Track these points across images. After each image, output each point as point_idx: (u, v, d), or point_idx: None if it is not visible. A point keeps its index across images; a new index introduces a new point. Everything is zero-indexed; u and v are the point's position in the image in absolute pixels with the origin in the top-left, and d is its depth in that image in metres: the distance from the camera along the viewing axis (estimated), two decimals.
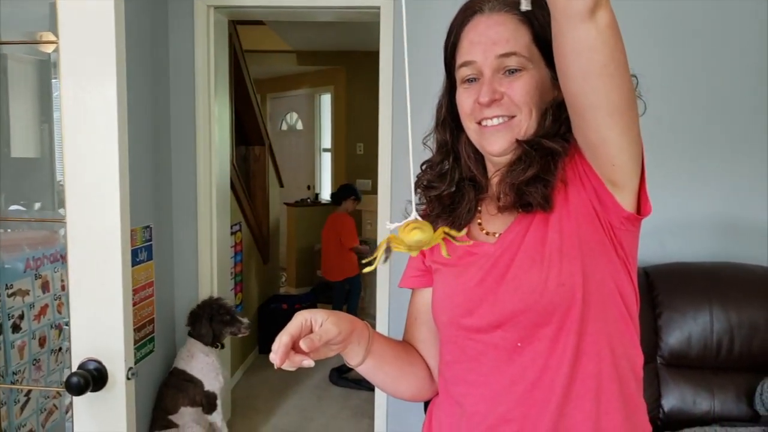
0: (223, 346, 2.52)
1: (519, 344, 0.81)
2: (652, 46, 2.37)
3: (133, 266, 2.24)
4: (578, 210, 0.80)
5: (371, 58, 2.60)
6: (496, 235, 0.87)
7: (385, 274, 2.68)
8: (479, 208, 0.92)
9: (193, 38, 2.61)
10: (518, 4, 0.76)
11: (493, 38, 0.82)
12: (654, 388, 2.03)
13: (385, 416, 2.73)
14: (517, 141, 0.84)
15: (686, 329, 2.04)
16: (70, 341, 1.01)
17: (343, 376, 3.65)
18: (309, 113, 6.90)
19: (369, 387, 3.30)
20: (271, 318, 4.03)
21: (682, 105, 2.40)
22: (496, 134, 0.84)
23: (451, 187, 0.92)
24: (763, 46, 2.35)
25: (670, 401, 2.04)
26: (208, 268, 2.72)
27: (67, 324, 1.04)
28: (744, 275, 2.11)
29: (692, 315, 2.03)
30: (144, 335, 2.39)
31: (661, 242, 2.33)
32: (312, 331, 0.80)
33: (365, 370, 0.90)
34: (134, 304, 2.27)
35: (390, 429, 2.74)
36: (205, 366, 2.42)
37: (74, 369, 0.99)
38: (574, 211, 0.80)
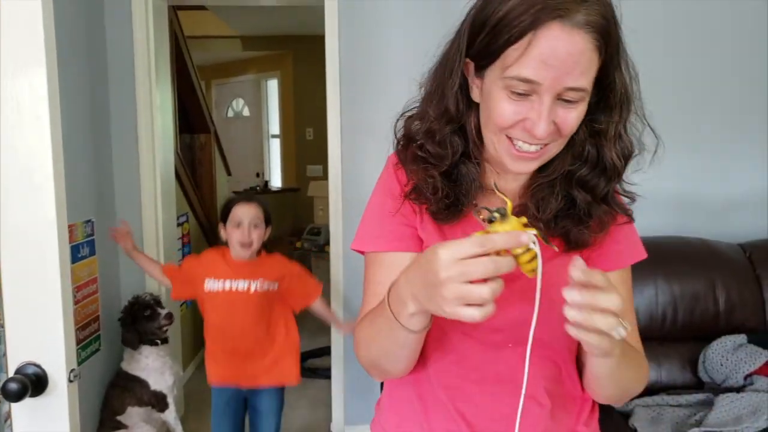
0: (165, 341, 2.42)
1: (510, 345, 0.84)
2: None
3: (74, 263, 2.14)
4: None
5: (318, 42, 2.55)
6: None
7: (338, 260, 2.67)
8: (474, 201, 0.84)
9: (131, 24, 2.50)
10: (599, 23, 0.69)
11: (569, 66, 0.69)
12: None
13: (342, 404, 2.73)
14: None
15: (633, 302, 2.11)
16: (5, 345, 0.95)
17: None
18: (256, 99, 6.75)
19: (326, 375, 3.29)
20: None
21: (648, 82, 2.45)
22: (529, 161, 0.77)
23: (453, 160, 0.82)
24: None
25: None
26: None
27: (2, 326, 0.98)
28: (685, 248, 2.19)
29: (639, 289, 2.09)
30: (89, 334, 2.29)
31: None
32: None
33: (419, 338, 0.75)
34: (77, 302, 2.17)
35: (347, 416, 2.74)
36: (147, 366, 2.34)
37: (11, 374, 0.94)
38: None
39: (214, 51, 6.16)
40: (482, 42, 0.74)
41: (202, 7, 4.62)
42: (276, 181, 6.64)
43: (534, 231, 0.62)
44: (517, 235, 0.60)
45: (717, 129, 2.48)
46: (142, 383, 2.34)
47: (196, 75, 3.87)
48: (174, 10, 3.33)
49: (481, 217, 0.64)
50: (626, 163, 0.83)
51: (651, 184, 2.44)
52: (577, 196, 0.82)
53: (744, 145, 2.48)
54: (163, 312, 2.37)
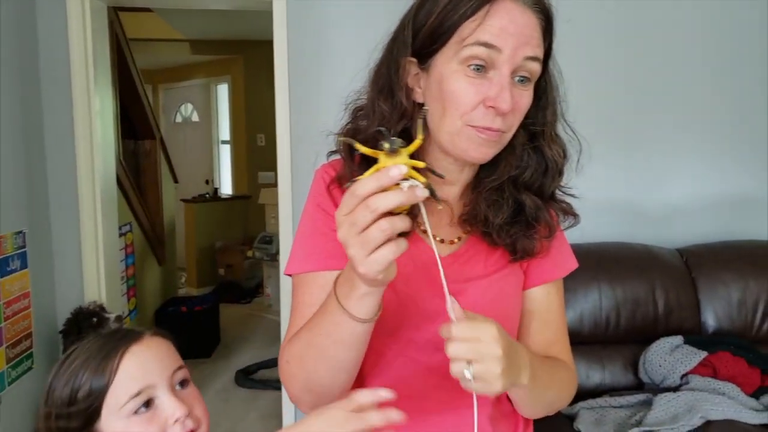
0: None
1: None
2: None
3: (2, 277, 2.03)
4: None
5: (269, 47, 2.51)
6: (446, 244, 0.84)
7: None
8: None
9: (66, 26, 2.40)
10: (545, 6, 0.73)
11: (526, 36, 0.71)
12: None
13: (293, 416, 2.68)
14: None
15: (578, 308, 2.14)
16: None
17: (249, 377, 3.54)
18: (205, 104, 6.60)
19: (276, 387, 3.22)
20: (170, 322, 3.83)
21: (597, 96, 2.50)
22: (490, 144, 0.75)
23: None
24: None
25: None
26: (95, 273, 2.52)
27: None
28: (627, 254, 2.25)
29: (584, 294, 2.14)
30: (21, 351, 2.17)
31: None
32: None
33: (365, 334, 0.70)
34: (6, 318, 2.06)
35: None
36: None
37: None
38: None
39: (162, 54, 5.99)
40: (432, 25, 0.73)
41: (147, 9, 4.49)
42: (226, 189, 6.50)
43: (422, 182, 0.57)
44: (384, 172, 0.56)
45: (658, 138, 2.55)
46: None
47: (140, 79, 3.75)
48: (115, 11, 3.21)
49: (380, 144, 0.59)
50: (565, 161, 0.84)
51: (596, 192, 2.52)
52: (525, 200, 0.83)
53: (682, 152, 2.55)
54: (112, 315, 2.27)
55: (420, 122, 0.65)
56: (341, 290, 0.66)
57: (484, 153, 0.76)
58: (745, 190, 2.57)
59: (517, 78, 0.73)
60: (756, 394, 1.96)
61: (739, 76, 2.53)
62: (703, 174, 2.57)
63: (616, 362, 2.14)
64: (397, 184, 0.56)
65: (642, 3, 2.50)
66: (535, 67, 0.74)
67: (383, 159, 0.58)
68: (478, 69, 0.72)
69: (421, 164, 0.59)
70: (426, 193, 0.57)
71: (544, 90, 0.80)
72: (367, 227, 0.56)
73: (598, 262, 2.20)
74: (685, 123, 2.54)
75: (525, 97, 0.75)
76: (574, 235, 0.92)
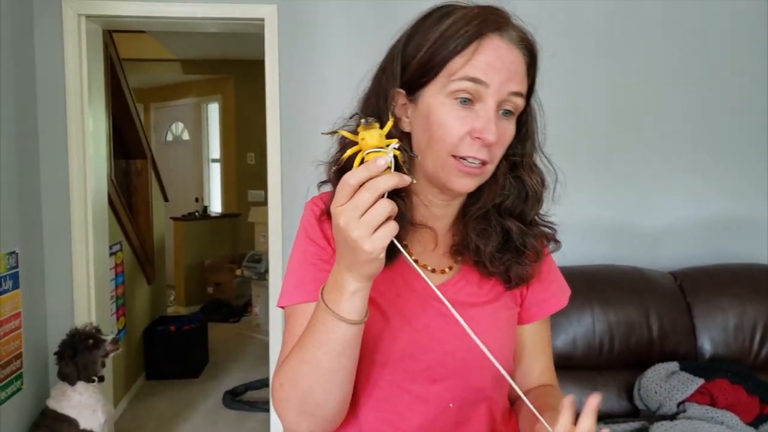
0: (101, 379, 2.30)
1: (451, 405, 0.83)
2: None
3: None
4: None
5: (260, 66, 2.54)
6: (437, 274, 0.86)
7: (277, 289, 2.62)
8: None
9: (62, 50, 2.42)
10: (529, 43, 0.77)
11: (512, 72, 0.75)
12: None
13: None
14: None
15: (571, 332, 2.13)
16: None
17: (237, 399, 3.51)
18: (196, 123, 6.62)
19: (264, 408, 3.20)
20: (158, 341, 3.80)
21: (584, 113, 2.55)
22: (473, 177, 0.78)
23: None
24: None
25: None
26: (85, 293, 2.51)
27: None
28: (620, 277, 2.25)
29: (576, 317, 2.13)
30: (10, 372, 2.15)
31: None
32: None
33: (354, 336, 0.71)
34: None
35: None
36: (79, 403, 2.21)
37: None
38: None
39: (153, 74, 6.01)
40: (422, 59, 0.76)
41: (140, 31, 4.52)
42: (216, 207, 6.49)
43: (394, 143, 0.65)
44: (372, 162, 0.62)
45: (649, 159, 2.58)
46: (71, 422, 2.20)
47: (132, 99, 3.76)
48: (109, 33, 3.24)
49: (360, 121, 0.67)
50: (544, 189, 0.87)
51: (587, 214, 2.55)
52: (511, 226, 0.85)
53: (674, 174, 2.59)
54: (109, 338, 2.27)
55: (391, 109, 0.75)
56: (329, 297, 0.68)
57: (467, 184, 0.79)
58: (737, 212, 2.60)
59: (501, 111, 0.76)
60: (755, 423, 1.92)
61: (731, 97, 2.57)
62: (695, 195, 2.60)
63: (610, 388, 2.12)
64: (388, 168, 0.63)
65: (625, 24, 2.55)
66: (519, 102, 0.77)
67: (361, 131, 0.65)
68: (464, 102, 0.75)
69: (393, 141, 0.66)
70: (389, 156, 0.64)
71: (525, 122, 0.83)
72: (367, 210, 0.61)
73: (591, 285, 2.20)
74: (676, 144, 2.58)
75: (509, 130, 0.78)
76: (556, 257, 0.94)
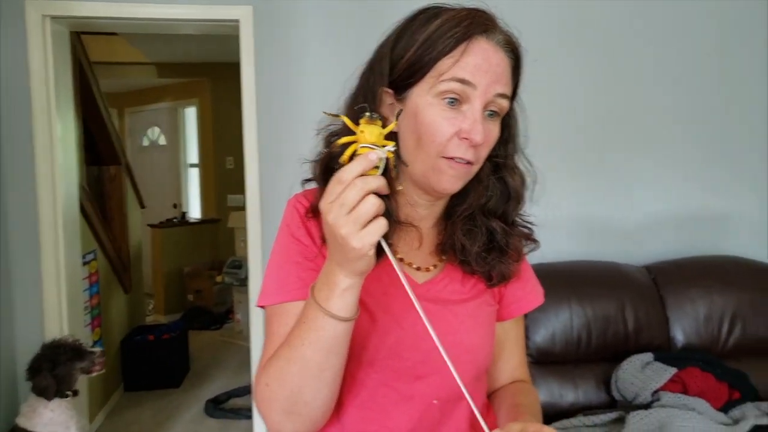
0: (75, 394, 2.22)
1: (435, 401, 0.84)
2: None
3: None
4: None
5: (237, 69, 2.50)
6: (422, 272, 0.87)
7: (259, 275, 2.57)
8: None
9: (26, 52, 2.35)
10: (515, 46, 0.79)
11: (498, 74, 0.77)
12: None
13: None
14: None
15: (550, 327, 2.16)
16: None
17: (219, 407, 3.45)
18: (172, 127, 6.52)
19: (247, 416, 3.15)
20: (137, 351, 3.72)
21: (563, 113, 2.56)
22: (460, 175, 0.79)
23: None
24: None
25: (540, 396, 2.13)
26: (56, 304, 2.44)
27: None
28: (595, 272, 2.28)
29: (554, 313, 2.16)
30: None
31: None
32: None
33: (345, 333, 0.71)
34: None
35: None
36: (51, 420, 2.14)
37: None
38: None
39: (127, 78, 5.91)
40: (410, 59, 0.77)
41: (112, 33, 4.43)
42: (195, 212, 6.40)
43: (391, 146, 0.65)
44: (364, 157, 0.63)
45: (628, 158, 2.61)
46: None
47: (104, 104, 3.68)
48: (78, 35, 3.16)
49: (360, 113, 0.67)
50: (524, 189, 0.89)
51: (565, 211, 2.56)
52: (495, 227, 0.87)
53: (649, 170, 2.61)
54: (97, 350, 2.20)
55: (398, 111, 0.75)
56: (320, 294, 0.69)
57: (454, 184, 0.80)
58: (710, 206, 2.63)
59: (487, 112, 0.78)
60: (725, 408, 1.99)
61: (704, 95, 2.61)
62: (670, 191, 2.63)
63: (588, 381, 2.15)
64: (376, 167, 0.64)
65: (605, 23, 2.56)
66: (504, 104, 0.79)
67: (363, 124, 0.65)
68: (452, 102, 0.76)
69: (391, 144, 0.65)
70: (382, 154, 0.64)
71: (507, 124, 0.84)
72: (356, 206, 0.61)
73: (569, 282, 2.23)
74: (652, 141, 2.61)
75: (494, 131, 0.79)
76: (536, 255, 0.95)
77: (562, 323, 2.15)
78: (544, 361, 2.19)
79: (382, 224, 0.63)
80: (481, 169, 0.83)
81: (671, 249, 2.56)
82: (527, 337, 2.15)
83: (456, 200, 0.87)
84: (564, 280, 2.20)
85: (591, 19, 2.56)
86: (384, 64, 0.80)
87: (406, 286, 0.68)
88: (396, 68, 0.79)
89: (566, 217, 2.56)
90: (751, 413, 1.94)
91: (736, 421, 1.92)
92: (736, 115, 2.62)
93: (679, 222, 2.62)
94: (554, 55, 2.51)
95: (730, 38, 2.60)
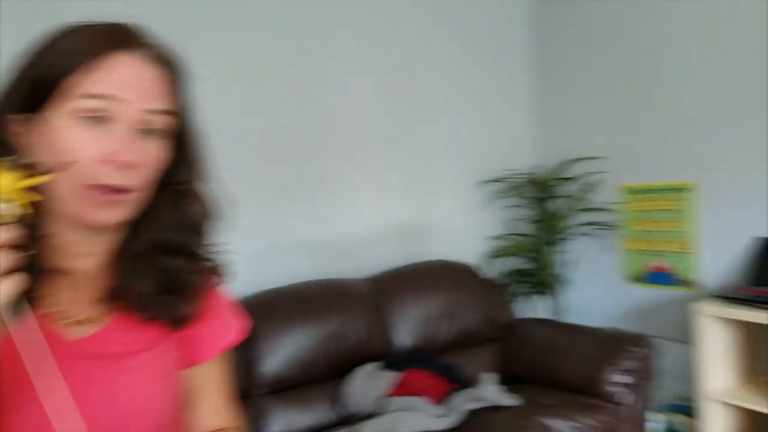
0: None
1: None
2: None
3: None
4: None
5: None
6: (86, 325, 0.74)
7: None
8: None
9: None
10: (166, 59, 0.74)
11: (147, 89, 0.70)
12: (256, 421, 2.05)
13: None
14: None
15: (282, 353, 2.11)
16: None
17: None
18: None
19: None
20: None
21: (268, 139, 2.51)
22: (115, 206, 0.71)
23: None
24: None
25: (276, 426, 2.08)
26: None
27: None
28: (320, 290, 2.30)
29: (284, 337, 2.12)
30: None
31: (251, 271, 2.35)
32: None
33: None
34: None
35: None
36: None
37: None
38: None
39: None
40: (38, 76, 0.69)
41: None
42: None
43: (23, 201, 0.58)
44: None
45: (346, 175, 2.70)
46: None
47: None
48: None
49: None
50: (210, 220, 0.82)
51: (286, 234, 2.52)
52: (171, 263, 0.78)
53: (368, 185, 2.75)
54: None
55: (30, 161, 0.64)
56: None
57: (110, 216, 0.71)
58: (421, 216, 2.88)
59: (141, 130, 0.70)
60: (445, 401, 2.14)
61: (399, 113, 2.84)
62: (387, 204, 2.81)
63: (324, 401, 2.17)
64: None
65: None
66: (164, 120, 0.72)
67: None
68: (93, 121, 0.68)
69: (33, 181, 0.58)
70: (14, 209, 0.57)
71: (184, 144, 0.78)
72: None
73: (297, 304, 2.22)
74: (366, 156, 2.75)
75: (153, 151, 0.72)
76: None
77: (294, 347, 2.13)
78: (281, 388, 2.13)
79: (15, 282, 0.55)
80: (158, 197, 0.75)
81: (393, 258, 2.72)
82: (256, 369, 2.07)
83: (128, 235, 0.78)
84: (289, 304, 2.19)
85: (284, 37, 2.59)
86: (13, 87, 0.70)
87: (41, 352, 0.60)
88: (23, 88, 0.70)
89: (289, 240, 2.55)
90: (465, 400, 2.13)
91: (451, 410, 2.09)
92: (426, 132, 2.92)
93: (399, 231, 2.81)
94: (246, 77, 2.46)
95: (416, 56, 2.88)
